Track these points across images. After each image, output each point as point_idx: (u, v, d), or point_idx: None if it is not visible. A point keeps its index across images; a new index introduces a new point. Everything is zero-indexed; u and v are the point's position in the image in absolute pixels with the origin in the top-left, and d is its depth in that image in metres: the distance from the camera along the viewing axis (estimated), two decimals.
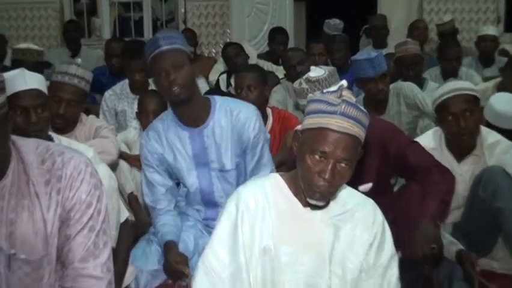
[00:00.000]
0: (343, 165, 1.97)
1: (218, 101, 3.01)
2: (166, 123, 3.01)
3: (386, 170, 3.03)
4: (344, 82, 2.05)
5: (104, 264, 1.87)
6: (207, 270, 2.06)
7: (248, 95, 3.70)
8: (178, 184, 3.17)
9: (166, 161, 3.01)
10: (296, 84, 3.16)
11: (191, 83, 2.86)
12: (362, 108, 2.00)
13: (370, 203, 2.20)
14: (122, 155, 3.78)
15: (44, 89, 2.88)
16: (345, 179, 2.01)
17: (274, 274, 2.06)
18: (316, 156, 1.96)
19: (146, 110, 3.93)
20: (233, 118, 2.94)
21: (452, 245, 2.99)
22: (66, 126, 3.50)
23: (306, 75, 3.06)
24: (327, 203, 2.10)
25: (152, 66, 2.85)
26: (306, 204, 2.09)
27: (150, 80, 4.69)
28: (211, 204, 3.06)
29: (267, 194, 2.10)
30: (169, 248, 2.88)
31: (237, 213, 2.06)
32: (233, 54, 5.72)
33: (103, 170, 2.79)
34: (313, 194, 2.00)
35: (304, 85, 3.01)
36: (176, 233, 2.98)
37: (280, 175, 2.16)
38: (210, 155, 2.97)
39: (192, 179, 3.02)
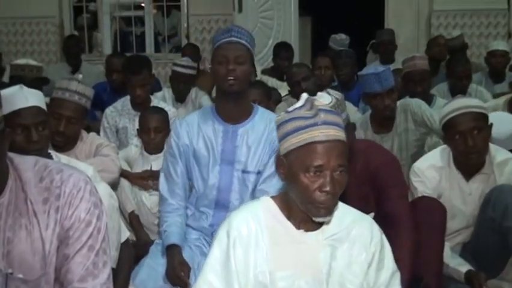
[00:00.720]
0: (341, 172, 1.95)
1: (260, 108, 3.09)
2: (203, 115, 3.06)
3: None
4: (304, 95, 2.03)
5: (103, 284, 1.84)
6: None
7: None
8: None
9: (189, 153, 3.03)
10: None
11: (246, 80, 2.94)
12: (336, 110, 2.02)
13: (367, 219, 2.15)
14: (123, 173, 3.77)
15: (44, 106, 2.85)
16: (343, 187, 1.98)
17: None
18: (311, 173, 1.93)
19: (148, 127, 3.92)
20: (270, 127, 2.94)
21: (460, 266, 2.95)
22: (66, 144, 3.46)
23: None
24: (321, 223, 2.05)
25: (216, 52, 2.92)
26: (299, 226, 2.05)
27: (152, 96, 4.69)
28: (223, 206, 3.02)
29: (259, 219, 2.05)
30: (174, 253, 2.87)
31: (228, 240, 2.03)
32: None
33: (103, 189, 2.77)
34: (318, 211, 1.96)
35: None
36: (182, 235, 2.98)
37: (272, 198, 2.12)
38: (238, 154, 2.99)
39: (214, 174, 3.01)
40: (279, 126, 2.02)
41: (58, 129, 3.34)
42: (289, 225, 2.05)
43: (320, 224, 2.05)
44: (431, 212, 2.86)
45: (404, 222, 2.85)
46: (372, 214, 2.91)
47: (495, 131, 3.39)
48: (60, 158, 2.93)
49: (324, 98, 2.87)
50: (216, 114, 3.02)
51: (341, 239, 2.07)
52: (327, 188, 1.91)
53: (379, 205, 2.98)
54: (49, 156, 2.81)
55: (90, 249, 1.80)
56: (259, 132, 2.98)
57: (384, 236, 2.13)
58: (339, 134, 1.95)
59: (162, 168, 3.16)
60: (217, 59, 2.90)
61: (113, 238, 2.72)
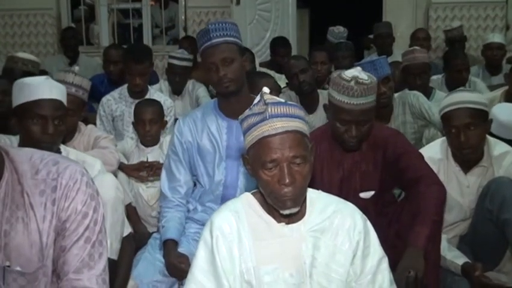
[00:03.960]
0: (298, 163, 1.93)
1: None
2: (207, 111, 3.06)
3: (387, 178, 2.96)
4: (265, 89, 2.02)
5: (99, 275, 1.84)
6: None
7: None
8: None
9: (193, 150, 3.04)
10: (340, 78, 2.84)
11: (240, 77, 2.93)
12: (290, 102, 1.99)
13: (349, 207, 2.15)
14: (119, 166, 3.75)
15: (65, 102, 2.83)
16: (307, 177, 1.98)
17: None
18: (269, 168, 1.93)
19: (143, 119, 3.93)
20: None
21: (457, 259, 2.95)
22: (65, 135, 3.43)
23: (352, 75, 2.79)
24: (303, 215, 2.06)
25: (203, 58, 2.93)
26: (280, 220, 2.05)
27: (149, 86, 4.69)
28: None
29: (240, 216, 2.06)
30: (170, 248, 2.90)
31: (211, 240, 2.03)
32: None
33: (110, 181, 2.81)
34: (284, 204, 1.96)
35: (353, 84, 2.80)
36: (180, 230, 3.00)
37: (253, 194, 2.13)
38: (242, 149, 2.95)
39: (220, 170, 3.02)
40: (240, 122, 2.04)
41: None
42: (270, 219, 2.06)
43: (302, 216, 2.06)
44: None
45: (430, 177, 2.80)
46: (372, 192, 2.94)
47: (506, 120, 3.42)
48: (68, 152, 2.95)
49: (366, 76, 2.78)
50: (218, 110, 3.02)
51: (324, 229, 2.07)
52: (286, 181, 1.91)
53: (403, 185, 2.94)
54: (58, 151, 2.83)
55: (87, 241, 1.81)
56: None
57: (368, 223, 2.13)
58: (289, 124, 1.93)
59: (164, 165, 3.17)
60: (205, 66, 2.90)
61: (117, 230, 2.74)
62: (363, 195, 2.96)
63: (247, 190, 2.91)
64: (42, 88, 2.70)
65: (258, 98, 2.00)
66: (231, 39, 2.88)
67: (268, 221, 2.06)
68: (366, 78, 2.77)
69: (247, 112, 2.01)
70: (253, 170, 2.00)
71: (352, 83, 2.74)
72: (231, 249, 2.03)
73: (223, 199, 2.99)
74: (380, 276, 2.11)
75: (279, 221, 2.05)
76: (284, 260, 2.04)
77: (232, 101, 2.95)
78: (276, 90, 3.91)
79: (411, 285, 2.41)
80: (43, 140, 2.67)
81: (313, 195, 2.11)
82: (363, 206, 2.74)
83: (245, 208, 2.08)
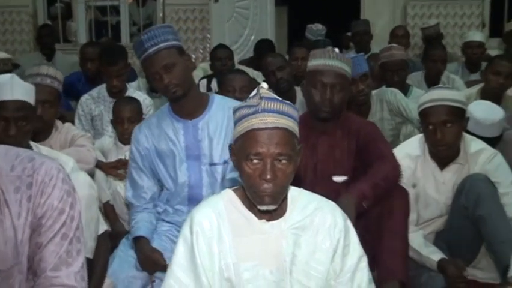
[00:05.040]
0: (283, 161, 1.93)
1: (216, 97, 3.08)
2: (162, 116, 3.04)
3: (359, 166, 3.02)
4: (264, 84, 2.03)
5: (77, 272, 1.81)
6: None
7: (243, 96, 3.66)
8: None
9: (152, 156, 3.03)
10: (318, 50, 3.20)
11: (186, 79, 2.90)
12: (284, 100, 1.97)
13: (330, 205, 2.13)
14: (97, 164, 3.73)
15: (32, 100, 2.81)
16: (289, 176, 1.96)
17: None
18: (253, 161, 1.92)
19: (121, 117, 3.91)
20: (229, 114, 2.90)
21: (433, 254, 2.98)
22: (44, 130, 3.44)
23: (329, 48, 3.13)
24: (284, 212, 2.05)
25: (145, 69, 2.91)
26: (261, 217, 2.03)
27: (128, 85, 4.66)
28: (197, 202, 2.98)
29: (221, 212, 2.05)
30: (142, 244, 2.90)
31: (191, 236, 2.02)
32: (225, 56, 5.62)
33: (83, 179, 2.78)
34: (262, 199, 1.94)
35: (329, 50, 3.09)
36: (150, 229, 2.99)
37: (233, 190, 2.11)
38: (202, 148, 2.99)
39: (183, 172, 3.01)
40: (234, 112, 2.03)
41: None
42: (251, 216, 2.04)
43: (283, 213, 2.05)
44: (393, 195, 2.86)
45: (387, 157, 2.93)
46: (345, 177, 3.01)
47: (482, 118, 3.44)
48: (40, 149, 2.92)
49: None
50: (173, 114, 3.01)
51: (304, 226, 2.06)
52: (268, 176, 1.90)
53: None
54: (29, 148, 2.79)
55: (63, 238, 1.78)
56: (219, 121, 2.98)
57: (349, 221, 2.13)
58: (280, 121, 1.93)
59: (127, 175, 3.16)
60: (149, 76, 2.90)
61: (91, 228, 2.72)
62: (336, 178, 3.04)
63: (212, 187, 2.95)
64: (4, 89, 2.69)
65: (254, 92, 1.99)
66: (167, 43, 2.83)
67: (249, 217, 2.04)
68: (338, 51, 3.09)
69: (242, 103, 2.00)
70: (238, 161, 1.99)
71: (328, 49, 3.04)
72: (211, 245, 2.01)
73: (190, 200, 3.00)
74: (359, 274, 2.10)
75: (259, 218, 2.03)
76: (264, 257, 2.03)
77: (183, 103, 2.94)
78: (251, 88, 3.91)
79: None
80: (6, 141, 2.60)
81: (295, 192, 2.10)
82: (336, 190, 2.84)
83: (226, 204, 2.06)
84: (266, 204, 1.95)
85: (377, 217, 2.76)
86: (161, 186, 3.13)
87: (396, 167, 2.91)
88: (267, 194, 1.93)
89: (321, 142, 3.08)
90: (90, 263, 2.62)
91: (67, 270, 1.78)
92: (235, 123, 2.01)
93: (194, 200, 2.98)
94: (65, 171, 1.85)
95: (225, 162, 2.98)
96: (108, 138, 4.15)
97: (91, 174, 3.60)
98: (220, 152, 2.98)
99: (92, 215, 2.73)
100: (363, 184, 2.75)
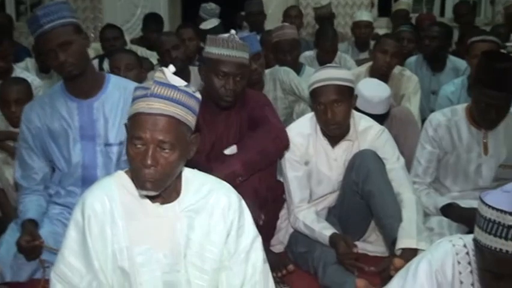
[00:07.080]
0: (166, 150, 1.88)
1: (112, 77, 3.02)
2: (55, 95, 2.95)
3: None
4: (171, 67, 1.97)
5: None
6: (63, 284, 1.99)
7: (127, 75, 3.65)
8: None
9: (44, 135, 2.94)
10: (217, 37, 3.14)
11: (82, 57, 2.83)
12: (182, 88, 1.91)
13: (224, 187, 2.13)
14: None
15: None
16: (172, 164, 1.91)
17: (131, 276, 2.00)
18: (137, 145, 1.88)
19: (8, 100, 3.77)
20: (126, 94, 2.88)
21: (325, 230, 3.01)
22: None
23: (228, 34, 3.13)
24: (178, 194, 2.04)
25: (38, 46, 2.83)
26: (155, 200, 2.01)
27: (14, 65, 4.50)
28: (91, 183, 2.92)
29: (113, 195, 2.00)
30: (26, 226, 2.80)
31: (83, 220, 1.97)
32: (113, 36, 5.49)
33: None
34: (143, 184, 1.90)
35: (232, 39, 3.07)
36: (39, 211, 2.91)
37: (126, 172, 2.06)
38: (97, 128, 2.93)
39: (76, 152, 2.95)
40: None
41: None
42: (144, 199, 2.01)
43: (177, 196, 2.03)
44: None
45: (270, 123, 3.10)
46: (234, 146, 3.10)
47: (370, 95, 3.53)
48: None
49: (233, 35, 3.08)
50: (66, 93, 2.93)
51: (198, 209, 2.05)
52: (148, 162, 1.85)
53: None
54: None
55: None
56: (114, 101, 2.94)
57: (243, 202, 2.13)
58: (169, 108, 1.87)
59: (16, 155, 3.06)
60: (43, 52, 2.79)
61: None
62: (226, 151, 3.08)
63: (106, 168, 2.90)
64: None
65: (158, 74, 1.94)
66: (64, 20, 2.74)
67: (141, 200, 2.00)
68: (238, 39, 3.10)
69: (143, 84, 1.95)
70: (127, 142, 1.94)
71: (230, 38, 3.03)
72: (104, 229, 1.97)
73: (84, 181, 2.93)
74: (253, 255, 2.11)
75: (153, 201, 2.01)
76: (158, 241, 2.01)
77: (78, 82, 2.87)
78: (136, 67, 3.91)
79: None
80: None
81: (189, 174, 2.08)
82: None
83: (118, 187, 2.01)
84: (146, 189, 1.91)
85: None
86: (52, 167, 3.05)
87: (279, 137, 3.08)
88: (147, 179, 1.89)
89: (220, 120, 3.12)
90: None
91: None
92: (131, 102, 1.95)
93: (88, 181, 2.90)
94: None
95: (121, 143, 2.92)
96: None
97: None
98: (116, 132, 2.93)
99: None
100: (236, 161, 2.93)
